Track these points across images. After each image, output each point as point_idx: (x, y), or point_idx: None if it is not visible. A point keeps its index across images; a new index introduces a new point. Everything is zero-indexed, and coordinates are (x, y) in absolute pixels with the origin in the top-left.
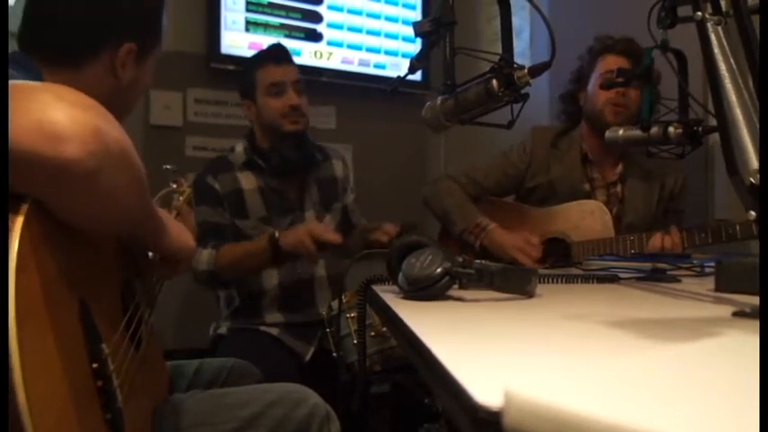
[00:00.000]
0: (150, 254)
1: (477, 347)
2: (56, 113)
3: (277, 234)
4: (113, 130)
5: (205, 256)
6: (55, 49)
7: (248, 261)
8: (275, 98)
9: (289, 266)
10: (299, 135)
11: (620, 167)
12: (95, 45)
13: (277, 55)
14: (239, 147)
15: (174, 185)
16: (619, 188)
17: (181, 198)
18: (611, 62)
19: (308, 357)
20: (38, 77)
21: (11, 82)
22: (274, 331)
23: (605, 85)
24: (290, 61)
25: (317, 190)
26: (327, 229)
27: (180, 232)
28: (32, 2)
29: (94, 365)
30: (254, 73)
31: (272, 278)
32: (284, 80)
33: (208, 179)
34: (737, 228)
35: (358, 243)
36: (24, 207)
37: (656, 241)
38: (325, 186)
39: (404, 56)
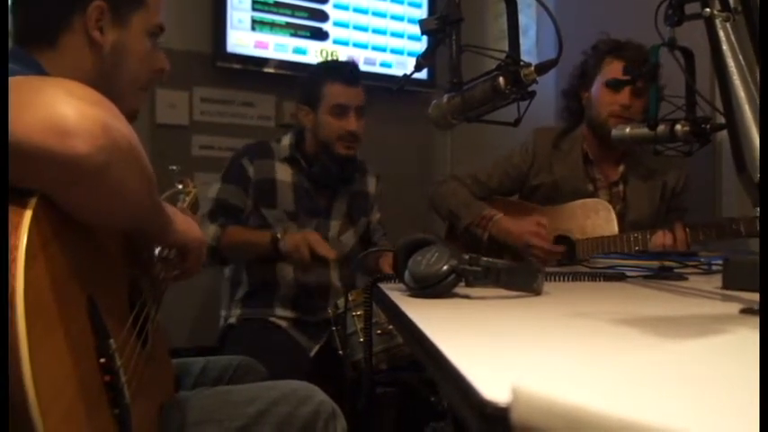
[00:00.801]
0: (157, 250)
1: (484, 344)
2: (65, 108)
3: (279, 235)
4: (122, 126)
5: (211, 231)
6: (32, 30)
7: (248, 249)
8: (336, 119)
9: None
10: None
11: (621, 167)
12: (64, 13)
13: (350, 76)
14: (286, 140)
15: (180, 186)
16: (621, 187)
17: (186, 199)
18: (617, 69)
19: (312, 353)
20: (34, 67)
21: (19, 77)
22: (284, 323)
23: (612, 84)
24: (360, 84)
25: (347, 202)
26: (324, 243)
27: (187, 224)
28: None
29: (102, 360)
30: (322, 86)
31: (287, 273)
32: (350, 104)
33: (243, 161)
34: (741, 224)
35: (365, 267)
36: (33, 202)
37: (659, 238)
38: (355, 200)
39: (410, 54)
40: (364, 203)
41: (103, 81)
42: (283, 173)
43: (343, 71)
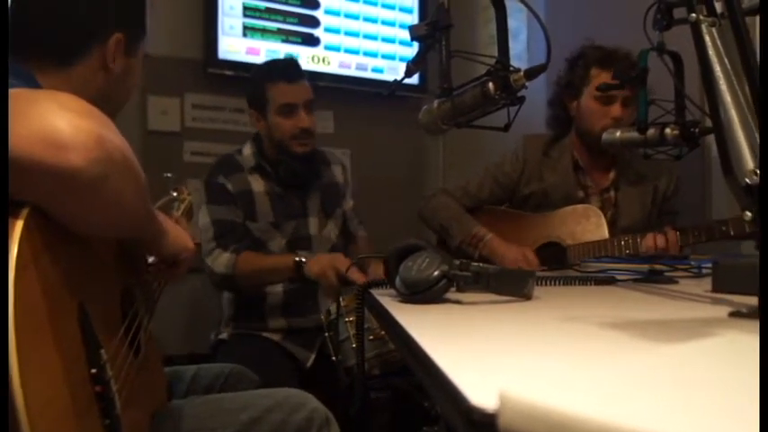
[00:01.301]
0: (150, 259)
1: (473, 350)
2: (59, 122)
3: (303, 260)
4: (115, 137)
5: (224, 259)
6: (46, 50)
7: (268, 276)
8: (286, 118)
9: None
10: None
11: (612, 173)
12: (86, 41)
13: (290, 73)
14: (247, 150)
15: (175, 194)
16: (612, 193)
17: (181, 206)
18: (606, 79)
19: (309, 363)
20: (33, 84)
21: (12, 90)
22: (276, 337)
23: (602, 88)
24: (304, 78)
25: (320, 197)
26: (353, 268)
27: (177, 234)
28: (18, 7)
29: (93, 371)
30: (265, 88)
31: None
32: (297, 102)
33: (219, 179)
34: (730, 224)
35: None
36: (24, 213)
37: (649, 241)
38: (326, 193)
39: (401, 60)
40: (336, 194)
41: (104, 100)
42: (256, 184)
43: (283, 70)
